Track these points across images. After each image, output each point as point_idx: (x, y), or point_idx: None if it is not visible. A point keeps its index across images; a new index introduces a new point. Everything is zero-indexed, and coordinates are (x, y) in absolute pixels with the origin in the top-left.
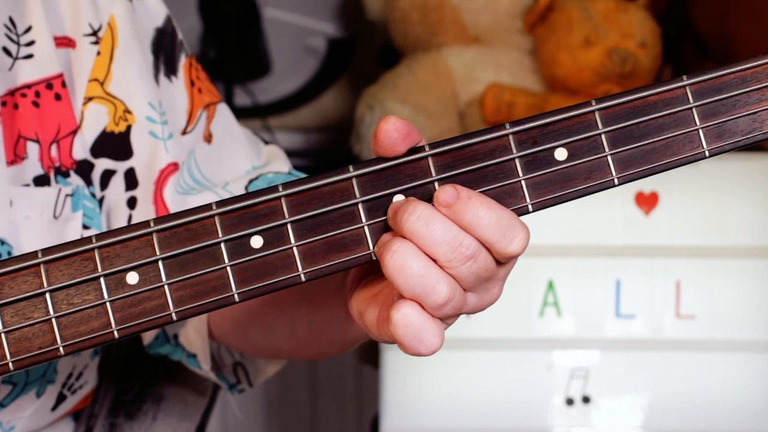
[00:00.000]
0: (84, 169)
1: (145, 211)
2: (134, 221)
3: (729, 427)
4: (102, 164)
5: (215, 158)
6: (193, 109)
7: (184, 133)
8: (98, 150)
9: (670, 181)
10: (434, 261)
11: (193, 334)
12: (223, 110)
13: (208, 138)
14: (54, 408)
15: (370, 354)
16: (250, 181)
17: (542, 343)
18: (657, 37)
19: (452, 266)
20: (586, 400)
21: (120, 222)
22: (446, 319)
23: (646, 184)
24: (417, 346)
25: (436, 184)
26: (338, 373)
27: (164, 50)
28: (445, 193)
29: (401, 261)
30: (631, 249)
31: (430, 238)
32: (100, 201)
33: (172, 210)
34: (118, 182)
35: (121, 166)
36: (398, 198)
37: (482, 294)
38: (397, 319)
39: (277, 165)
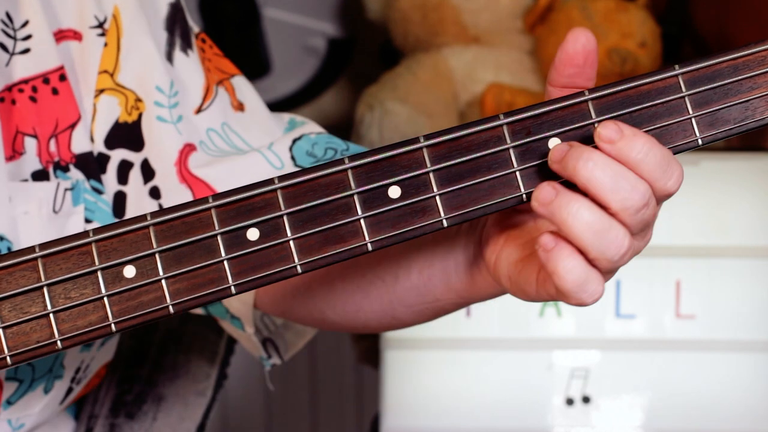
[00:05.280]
0: (85, 162)
1: (175, 194)
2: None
3: (729, 427)
4: (118, 155)
5: (254, 125)
6: (210, 85)
7: (199, 110)
8: (112, 141)
9: None
10: (605, 209)
11: (236, 302)
12: (245, 81)
13: (240, 107)
14: (62, 402)
15: (370, 354)
16: (294, 141)
17: (542, 343)
18: (657, 37)
19: (627, 214)
20: (586, 400)
21: None
22: (611, 272)
23: None
24: (582, 296)
25: (431, 174)
26: (338, 373)
27: (180, 24)
28: (608, 129)
29: (582, 217)
30: None
31: (607, 185)
32: (117, 195)
33: (208, 180)
34: (136, 176)
35: (137, 158)
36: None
37: (640, 240)
38: (562, 270)
39: (313, 127)
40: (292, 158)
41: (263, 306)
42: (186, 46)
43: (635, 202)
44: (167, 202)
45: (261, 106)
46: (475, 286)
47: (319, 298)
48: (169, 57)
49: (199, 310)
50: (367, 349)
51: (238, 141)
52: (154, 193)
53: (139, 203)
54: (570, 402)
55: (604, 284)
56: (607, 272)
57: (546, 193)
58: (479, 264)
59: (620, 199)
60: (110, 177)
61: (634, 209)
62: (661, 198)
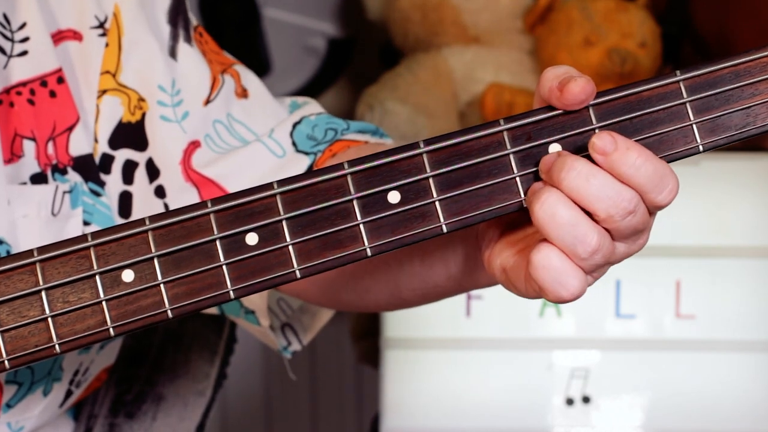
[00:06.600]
0: (83, 164)
1: (180, 193)
2: (173, 207)
3: (729, 427)
4: (122, 155)
5: (258, 110)
6: (215, 75)
7: (207, 101)
8: (116, 141)
9: None
10: (592, 216)
11: None
12: (245, 68)
13: (244, 93)
14: (61, 404)
15: (370, 354)
16: (294, 125)
17: (542, 343)
18: (657, 37)
19: (612, 221)
20: (586, 400)
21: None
22: (593, 269)
23: None
24: (558, 290)
25: (430, 180)
26: (338, 373)
27: (183, 15)
28: (602, 140)
29: (551, 210)
30: None
31: (592, 194)
32: (123, 195)
33: (213, 177)
34: (141, 175)
35: (142, 158)
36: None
37: (631, 244)
38: (537, 261)
39: (314, 107)
40: (293, 144)
41: (295, 294)
42: (189, 37)
43: (620, 210)
44: (173, 200)
45: (264, 91)
46: (473, 276)
47: (332, 280)
48: (173, 52)
49: (212, 309)
50: (367, 349)
51: (243, 130)
52: (160, 192)
53: (145, 203)
54: (570, 402)
55: (585, 283)
56: (589, 272)
57: (534, 185)
58: (476, 256)
59: (604, 207)
60: (115, 177)
61: (619, 217)
62: (652, 209)
